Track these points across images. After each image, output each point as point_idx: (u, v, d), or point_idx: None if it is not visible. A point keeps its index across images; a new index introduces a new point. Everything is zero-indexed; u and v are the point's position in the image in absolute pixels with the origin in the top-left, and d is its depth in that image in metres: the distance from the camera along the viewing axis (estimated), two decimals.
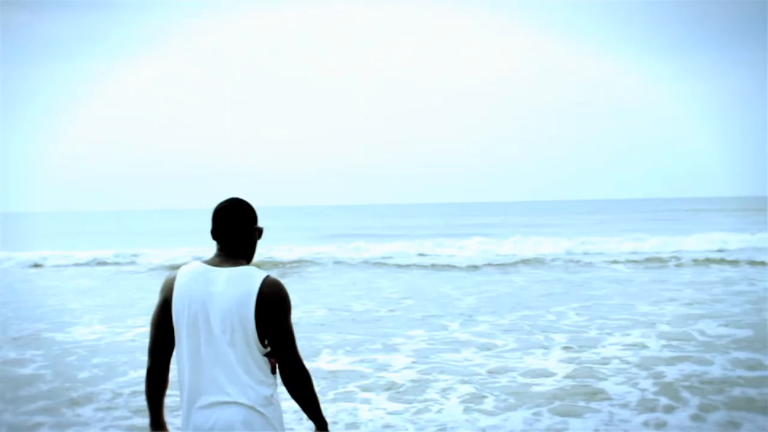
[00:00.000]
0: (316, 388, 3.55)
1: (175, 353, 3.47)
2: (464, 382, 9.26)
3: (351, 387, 9.09)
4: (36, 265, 27.23)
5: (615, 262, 24.46)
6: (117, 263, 27.36)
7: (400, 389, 9.00)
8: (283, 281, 3.49)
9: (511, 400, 8.45)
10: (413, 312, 15.00)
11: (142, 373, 9.51)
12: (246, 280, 3.35)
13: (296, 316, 14.23)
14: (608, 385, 8.93)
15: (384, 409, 8.20)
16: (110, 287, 20.82)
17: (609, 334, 12.06)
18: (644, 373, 9.45)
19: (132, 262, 27.30)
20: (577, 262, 24.81)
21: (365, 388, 9.06)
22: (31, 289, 20.87)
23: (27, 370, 10.30)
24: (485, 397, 8.58)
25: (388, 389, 8.99)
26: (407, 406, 8.33)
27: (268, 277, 3.40)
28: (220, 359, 3.32)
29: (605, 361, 10.18)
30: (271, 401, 3.40)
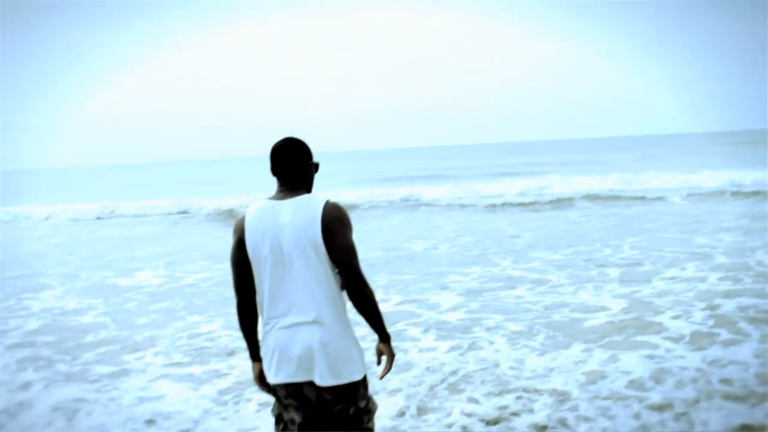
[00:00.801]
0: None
1: (256, 285, 3.65)
2: (514, 319, 8.87)
3: (401, 326, 8.76)
4: (98, 218, 27.32)
5: (667, 195, 23.45)
6: (169, 213, 26.97)
7: (449, 328, 8.65)
8: None
9: (561, 336, 8.03)
10: (469, 249, 14.65)
11: (199, 317, 9.38)
12: (310, 206, 3.52)
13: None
14: (663, 319, 8.43)
15: (433, 348, 7.84)
16: (171, 235, 20.87)
17: (664, 267, 11.51)
18: (701, 305, 8.93)
19: (185, 212, 26.89)
20: (629, 197, 23.73)
21: (415, 326, 8.75)
22: (97, 240, 21.02)
23: (87, 318, 10.18)
24: (535, 334, 8.17)
25: (437, 328, 8.64)
26: (454, 343, 7.98)
27: (328, 201, 3.57)
28: (296, 283, 3.52)
29: (660, 294, 9.67)
30: (345, 318, 3.60)
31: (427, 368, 7.14)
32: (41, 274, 14.24)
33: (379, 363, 3.82)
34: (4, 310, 10.92)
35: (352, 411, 3.63)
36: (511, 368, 7.01)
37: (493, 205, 23.53)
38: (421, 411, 6.06)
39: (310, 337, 3.51)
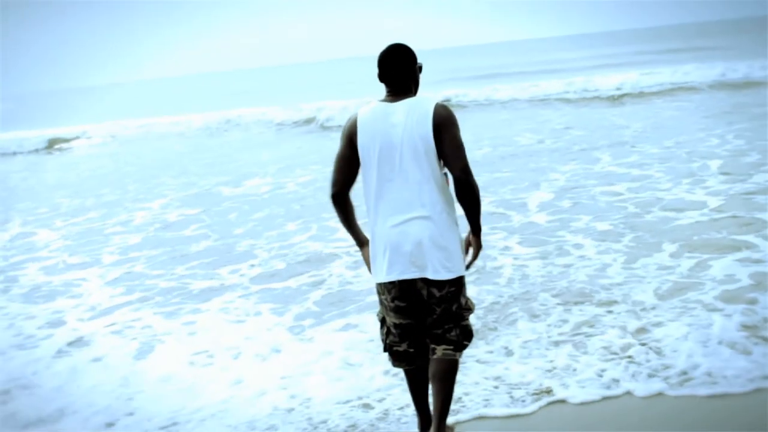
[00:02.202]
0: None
1: (363, 185, 3.67)
2: (603, 219, 8.19)
3: (486, 229, 8.26)
4: (228, 121, 26.93)
5: None
6: (285, 122, 25.19)
7: (537, 230, 8.08)
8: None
9: (648, 237, 7.32)
10: (574, 144, 13.89)
11: (295, 225, 9.11)
12: (421, 106, 3.54)
13: None
14: (764, 217, 7.56)
15: (515, 255, 7.31)
16: (287, 140, 20.70)
17: None
18: None
19: (307, 120, 24.92)
20: (732, 85, 21.53)
21: (502, 230, 8.21)
22: (222, 145, 21.13)
23: (189, 231, 10.00)
24: (622, 235, 7.49)
25: (524, 231, 8.09)
26: (538, 249, 7.38)
27: (438, 102, 3.59)
28: (408, 180, 3.54)
29: (762, 189, 8.77)
30: (453, 213, 3.63)
31: (508, 279, 6.63)
32: (162, 184, 14.36)
33: (466, 253, 3.76)
34: (113, 220, 10.97)
35: (455, 307, 3.71)
36: (592, 276, 6.43)
37: (598, 98, 22.14)
38: (487, 328, 5.62)
39: (421, 231, 3.54)
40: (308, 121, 24.41)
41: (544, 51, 78.65)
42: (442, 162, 3.56)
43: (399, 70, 3.62)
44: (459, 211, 3.60)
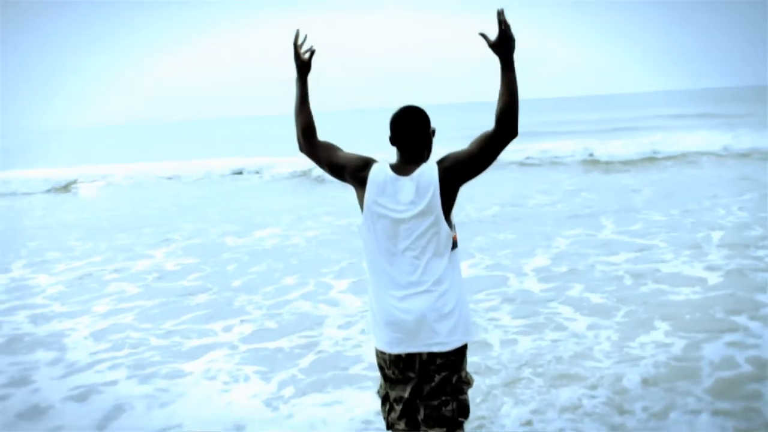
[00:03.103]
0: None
1: (364, 253, 3.53)
2: (597, 290, 7.93)
3: (482, 295, 8.03)
4: (237, 173, 26.23)
5: None
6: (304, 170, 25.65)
7: (530, 300, 7.80)
8: None
9: (641, 313, 7.05)
10: (584, 207, 13.68)
11: (293, 280, 8.85)
12: (428, 181, 3.35)
13: (467, 213, 13.65)
14: (764, 299, 7.24)
15: (505, 327, 7.03)
16: (305, 191, 20.48)
17: None
18: None
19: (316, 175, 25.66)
20: (743, 154, 21.20)
21: (497, 296, 7.96)
22: (240, 191, 21.03)
23: (186, 282, 9.75)
24: (615, 309, 7.22)
25: (517, 300, 7.81)
26: (528, 322, 7.09)
27: (439, 166, 3.39)
28: (413, 255, 3.38)
29: (761, 266, 8.47)
30: (459, 281, 3.46)
31: (497, 356, 6.37)
32: (176, 229, 14.19)
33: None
34: (112, 266, 10.77)
35: (455, 379, 3.50)
36: (579, 355, 6.14)
37: (611, 162, 21.73)
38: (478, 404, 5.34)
39: (426, 305, 3.37)
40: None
41: (552, 111, 78.47)
42: (451, 221, 3.42)
43: (412, 135, 3.44)
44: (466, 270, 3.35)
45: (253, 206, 17.29)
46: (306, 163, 24.87)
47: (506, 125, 3.23)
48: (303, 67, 3.74)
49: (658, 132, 28.66)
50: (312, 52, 3.72)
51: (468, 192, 15.75)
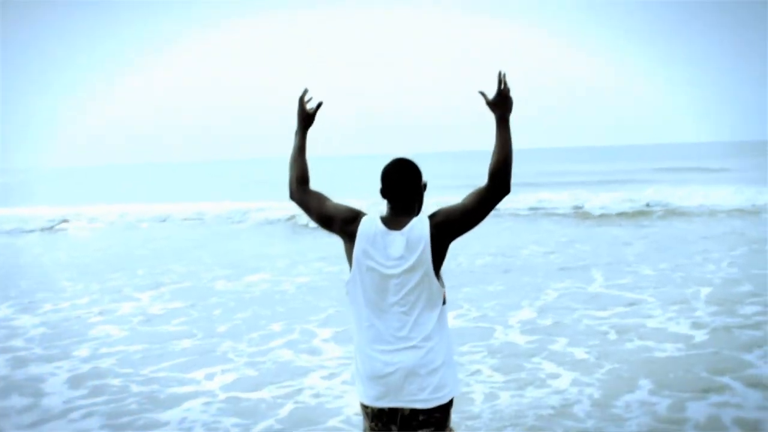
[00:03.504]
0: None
1: (350, 304, 3.43)
2: (582, 344, 7.82)
3: (467, 347, 7.91)
4: (231, 216, 25.63)
5: None
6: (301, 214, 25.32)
7: (514, 353, 7.67)
8: None
9: (624, 370, 6.91)
10: (576, 259, 13.55)
11: (279, 327, 8.69)
12: (419, 236, 3.29)
13: (458, 263, 13.55)
14: (749, 359, 7.13)
15: (487, 381, 6.89)
16: (302, 236, 20.31)
17: (763, 289, 10.09)
18: None
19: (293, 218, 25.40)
20: (737, 209, 20.92)
21: (481, 349, 7.84)
22: (227, 235, 20.92)
23: (171, 327, 9.62)
24: (598, 366, 7.08)
25: (501, 353, 7.68)
26: (510, 377, 6.94)
27: (430, 220, 3.33)
28: (400, 310, 3.30)
29: (747, 324, 8.37)
30: (447, 337, 3.38)
31: (478, 413, 6.24)
32: (169, 271, 14.07)
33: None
34: (97, 308, 10.64)
35: None
36: (560, 414, 6.01)
37: (605, 215, 21.63)
38: None
39: (413, 360, 3.28)
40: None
41: (547, 162, 78.34)
42: (440, 279, 3.35)
43: (403, 188, 3.40)
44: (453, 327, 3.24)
45: (246, 250, 17.18)
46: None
47: (499, 182, 3.25)
48: (307, 119, 3.72)
49: (653, 184, 28.75)
50: (319, 105, 3.71)
51: (461, 242, 15.55)
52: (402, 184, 3.39)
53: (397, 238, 3.32)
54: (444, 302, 3.37)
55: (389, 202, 3.43)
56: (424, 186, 3.49)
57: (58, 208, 28.86)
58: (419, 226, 3.32)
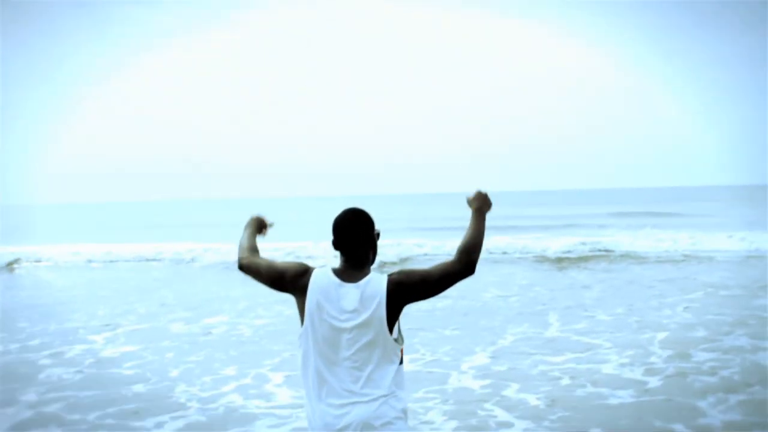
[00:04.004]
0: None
1: (300, 358, 3.37)
2: (534, 390, 7.68)
3: (420, 393, 7.76)
4: (150, 260, 25.01)
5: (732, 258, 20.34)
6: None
7: (466, 399, 7.53)
8: None
9: (575, 417, 6.76)
10: (536, 303, 13.49)
11: (233, 371, 8.49)
12: (374, 291, 3.24)
13: (418, 306, 13.40)
14: (702, 406, 7.05)
15: (440, 430, 6.72)
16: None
17: (717, 334, 10.08)
18: (751, 388, 7.52)
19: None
20: (697, 256, 20.80)
21: (434, 395, 7.70)
22: (196, 275, 20.63)
23: (123, 370, 9.34)
24: (549, 413, 6.93)
25: (453, 400, 7.53)
26: (460, 425, 6.78)
27: (389, 278, 3.30)
28: (354, 365, 3.24)
29: (701, 370, 8.32)
30: (402, 390, 3.32)
31: None
32: (130, 312, 13.76)
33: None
34: (47, 352, 10.34)
35: None
36: None
37: (568, 258, 21.62)
38: None
39: (365, 414, 3.21)
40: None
41: (512, 205, 78.56)
42: (396, 334, 3.30)
43: (355, 239, 3.34)
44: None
45: (212, 291, 16.87)
46: (278, 247, 24.36)
47: (465, 262, 3.32)
48: (260, 231, 3.87)
49: (618, 229, 28.94)
50: (271, 226, 3.90)
51: None
52: (354, 235, 3.34)
53: (351, 290, 3.27)
54: (401, 361, 3.32)
55: (342, 254, 3.37)
56: (377, 235, 3.44)
57: (9, 248, 27.95)
58: (376, 282, 3.28)
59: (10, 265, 24.36)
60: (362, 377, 3.24)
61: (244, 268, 3.60)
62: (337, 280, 3.30)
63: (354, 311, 3.24)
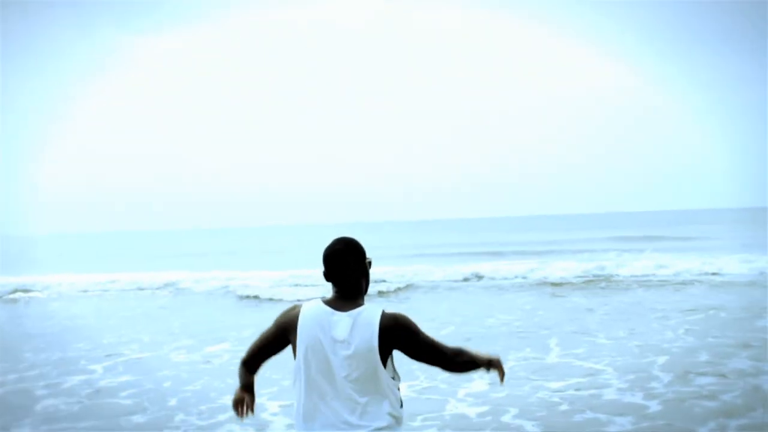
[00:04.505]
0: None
1: (294, 384, 3.28)
2: (532, 417, 7.53)
3: (417, 422, 7.61)
4: (157, 289, 25.06)
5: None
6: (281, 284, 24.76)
7: (464, 425, 7.41)
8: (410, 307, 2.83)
9: None
10: (539, 328, 13.34)
11: (229, 399, 8.38)
12: (366, 323, 3.16)
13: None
14: (696, 428, 6.89)
15: None
16: (270, 308, 20.04)
17: (718, 357, 9.92)
18: (756, 414, 7.32)
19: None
20: (700, 280, 20.57)
21: (432, 421, 7.57)
22: (208, 302, 20.49)
23: (120, 399, 9.21)
24: None
25: (446, 427, 7.41)
26: None
27: (384, 312, 3.22)
28: (348, 400, 3.15)
29: (702, 395, 8.13)
30: (398, 424, 3.24)
31: None
32: (134, 341, 13.63)
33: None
34: (43, 383, 10.21)
35: None
36: None
37: (571, 283, 21.40)
38: None
39: None
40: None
41: (516, 230, 78.03)
42: (393, 371, 3.25)
43: (346, 270, 3.25)
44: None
45: (218, 319, 16.77)
46: (282, 276, 24.28)
47: (455, 360, 3.30)
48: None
49: (620, 252, 28.81)
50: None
51: (430, 309, 15.21)
52: (344, 264, 3.26)
53: (344, 319, 3.18)
54: (401, 404, 3.25)
55: (334, 284, 3.29)
56: (369, 264, 3.37)
57: (11, 278, 27.82)
58: (369, 312, 3.20)
59: (13, 294, 24.22)
60: (358, 409, 3.14)
61: (248, 361, 3.51)
62: (328, 309, 3.22)
63: (345, 341, 3.15)
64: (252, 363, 3.48)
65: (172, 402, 8.95)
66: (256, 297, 21.00)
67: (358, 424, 3.13)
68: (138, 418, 8.35)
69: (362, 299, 3.31)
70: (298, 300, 3.55)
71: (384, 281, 22.53)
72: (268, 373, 10.61)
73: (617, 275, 22.09)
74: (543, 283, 21.66)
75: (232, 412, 7.98)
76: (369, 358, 3.12)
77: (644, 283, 20.47)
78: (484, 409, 7.95)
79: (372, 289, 17.42)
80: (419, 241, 56.51)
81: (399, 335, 3.17)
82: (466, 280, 23.36)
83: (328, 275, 3.29)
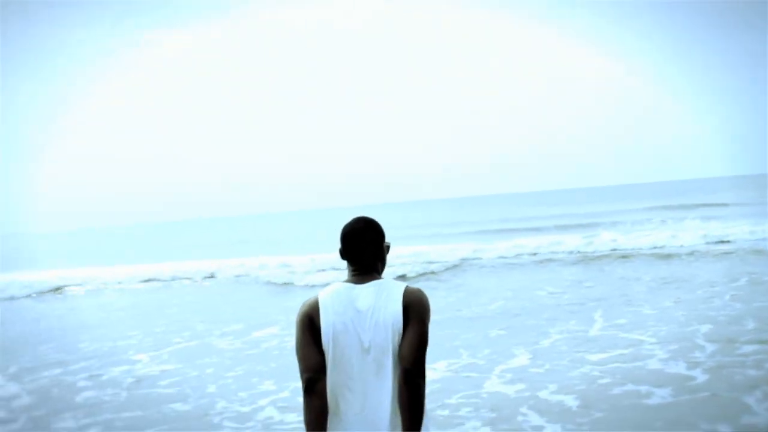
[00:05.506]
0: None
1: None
2: (571, 391, 7.26)
3: (454, 399, 7.40)
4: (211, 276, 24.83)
5: None
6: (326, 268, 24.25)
7: (500, 403, 7.14)
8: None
9: (611, 419, 6.31)
10: (585, 299, 13.05)
11: (272, 385, 8.26)
12: (389, 292, 3.00)
13: (469, 308, 13.08)
14: (743, 398, 6.58)
15: None
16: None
17: (766, 324, 9.49)
18: None
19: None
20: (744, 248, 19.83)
21: (467, 400, 7.32)
22: (254, 289, 20.53)
23: (161, 389, 9.11)
24: (584, 415, 6.50)
25: (483, 406, 7.13)
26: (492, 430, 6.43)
27: (408, 286, 3.05)
28: (374, 371, 2.97)
29: (749, 363, 7.75)
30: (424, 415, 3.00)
31: None
32: (187, 328, 13.65)
33: None
34: (85, 375, 10.23)
35: None
36: None
37: (611, 255, 20.86)
38: None
39: (383, 421, 2.94)
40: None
41: (553, 204, 76.59)
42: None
43: (366, 248, 3.09)
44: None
45: (270, 304, 16.74)
46: (329, 260, 24.01)
47: (407, 379, 2.93)
48: None
49: (663, 224, 28.18)
50: None
51: (481, 283, 14.77)
52: (364, 243, 3.10)
53: (365, 290, 3.02)
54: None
55: (350, 263, 3.13)
56: (387, 248, 3.20)
57: (52, 272, 27.77)
58: (391, 284, 3.04)
59: (58, 290, 24.37)
60: (386, 402, 2.97)
61: (312, 378, 3.03)
62: (349, 284, 3.07)
63: (368, 310, 2.98)
64: (315, 376, 3.01)
65: (211, 389, 8.84)
66: (290, 284, 21.05)
67: (382, 386, 2.97)
68: (180, 407, 8.29)
69: (380, 276, 3.14)
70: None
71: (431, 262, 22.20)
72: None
73: (663, 246, 21.53)
74: (585, 256, 21.23)
75: (273, 397, 7.99)
76: (394, 326, 2.95)
77: (693, 252, 19.91)
78: (522, 386, 7.69)
79: (422, 267, 16.99)
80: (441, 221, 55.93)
81: (416, 311, 2.97)
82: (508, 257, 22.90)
83: (346, 252, 3.13)
